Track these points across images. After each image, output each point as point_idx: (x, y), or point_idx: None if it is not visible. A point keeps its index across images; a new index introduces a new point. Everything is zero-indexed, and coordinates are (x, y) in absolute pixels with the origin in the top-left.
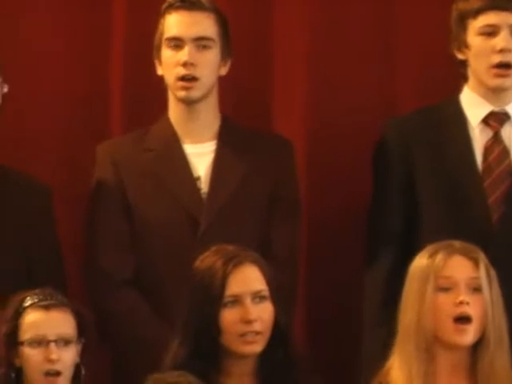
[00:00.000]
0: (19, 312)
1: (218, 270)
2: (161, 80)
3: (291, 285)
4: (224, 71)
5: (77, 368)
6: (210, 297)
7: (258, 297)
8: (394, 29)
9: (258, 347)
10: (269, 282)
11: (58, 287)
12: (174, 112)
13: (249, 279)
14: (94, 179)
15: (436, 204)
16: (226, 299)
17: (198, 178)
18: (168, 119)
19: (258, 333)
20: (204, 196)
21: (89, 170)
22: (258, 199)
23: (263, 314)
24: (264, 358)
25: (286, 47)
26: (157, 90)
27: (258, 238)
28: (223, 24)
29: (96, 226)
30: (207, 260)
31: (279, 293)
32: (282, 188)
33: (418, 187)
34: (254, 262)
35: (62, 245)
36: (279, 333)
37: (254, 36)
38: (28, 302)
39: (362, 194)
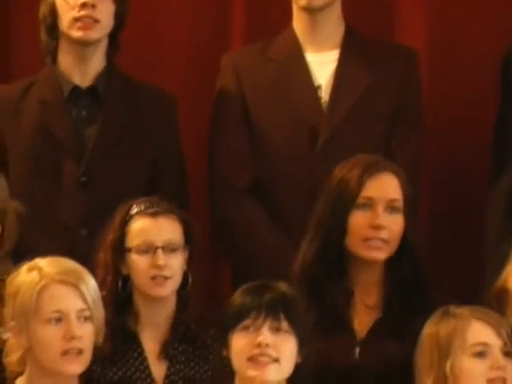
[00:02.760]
0: (126, 220)
1: (357, 173)
2: None
3: (414, 198)
4: None
5: (184, 275)
6: (346, 195)
7: (390, 206)
8: None
9: (381, 255)
10: (404, 196)
11: (181, 198)
12: (297, 21)
13: (386, 186)
14: (216, 89)
15: None
16: (360, 200)
17: (319, 87)
18: (292, 29)
19: (384, 241)
20: (324, 105)
21: (212, 81)
22: (381, 111)
23: (393, 224)
24: (391, 270)
25: None
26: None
27: (379, 151)
28: None
29: (218, 135)
30: (347, 166)
31: None
32: (406, 101)
33: None
34: (394, 172)
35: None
36: (408, 248)
37: None
38: (135, 210)
39: (486, 105)
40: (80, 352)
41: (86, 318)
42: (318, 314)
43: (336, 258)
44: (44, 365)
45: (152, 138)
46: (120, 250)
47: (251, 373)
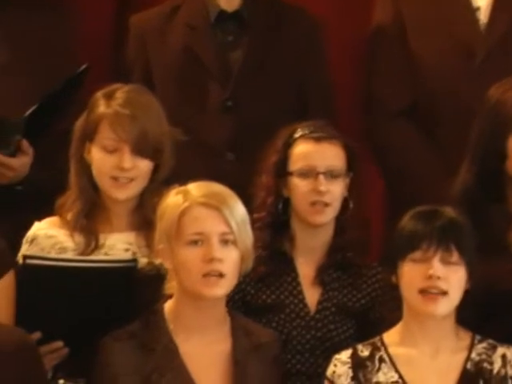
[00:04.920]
0: (289, 143)
1: None
2: None
3: None
4: None
5: (345, 201)
6: (502, 118)
7: None
8: None
9: None
10: None
11: (330, 121)
12: None
13: None
14: (375, 14)
15: None
16: None
17: (478, 9)
18: None
19: None
20: (483, 28)
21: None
22: None
23: None
24: None
25: None
26: None
27: None
28: None
29: (376, 58)
30: (503, 87)
31: None
32: None
33: None
34: None
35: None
36: None
37: None
38: (299, 133)
39: None
40: (221, 275)
41: (230, 242)
42: (478, 238)
43: (495, 181)
44: (186, 287)
45: (298, 62)
46: (282, 172)
47: (421, 307)
